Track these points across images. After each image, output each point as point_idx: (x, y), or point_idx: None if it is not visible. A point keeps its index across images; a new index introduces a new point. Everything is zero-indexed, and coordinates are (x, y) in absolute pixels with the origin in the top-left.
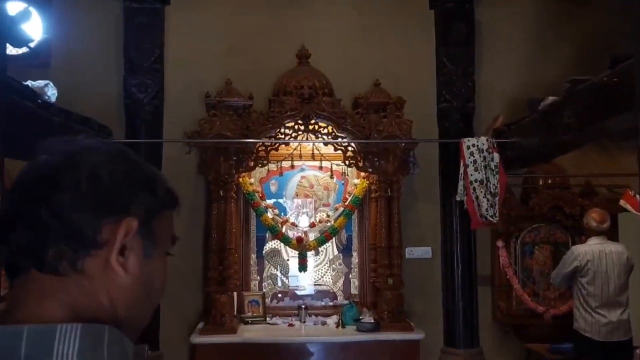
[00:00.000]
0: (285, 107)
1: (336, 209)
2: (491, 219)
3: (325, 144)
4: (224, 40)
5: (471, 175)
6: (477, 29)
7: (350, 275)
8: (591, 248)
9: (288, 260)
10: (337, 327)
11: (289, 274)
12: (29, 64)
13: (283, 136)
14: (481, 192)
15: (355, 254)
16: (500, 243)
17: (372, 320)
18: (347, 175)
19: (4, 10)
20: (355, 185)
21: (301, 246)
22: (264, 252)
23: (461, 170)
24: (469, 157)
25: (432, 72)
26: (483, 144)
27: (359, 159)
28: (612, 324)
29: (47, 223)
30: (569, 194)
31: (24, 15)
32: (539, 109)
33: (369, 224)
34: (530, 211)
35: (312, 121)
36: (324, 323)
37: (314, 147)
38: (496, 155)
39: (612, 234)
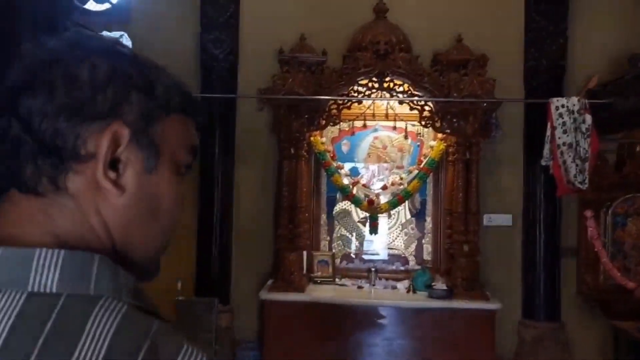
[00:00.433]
0: (359, 63)
1: (410, 172)
2: (580, 185)
3: (401, 102)
4: None
5: (559, 138)
6: None
7: (423, 241)
8: None
9: (359, 222)
10: (408, 292)
11: (360, 236)
12: (110, 20)
13: (356, 94)
14: (569, 156)
15: (429, 219)
16: (588, 213)
17: (445, 287)
18: (423, 136)
19: None
20: (432, 147)
21: (372, 208)
22: (334, 212)
23: (548, 133)
24: (558, 119)
25: (519, 28)
26: (574, 105)
27: (436, 119)
28: None
29: (19, 136)
30: None
31: None
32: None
33: (444, 188)
34: (624, 179)
35: (387, 78)
36: (394, 287)
37: (388, 105)
38: (588, 117)
39: None
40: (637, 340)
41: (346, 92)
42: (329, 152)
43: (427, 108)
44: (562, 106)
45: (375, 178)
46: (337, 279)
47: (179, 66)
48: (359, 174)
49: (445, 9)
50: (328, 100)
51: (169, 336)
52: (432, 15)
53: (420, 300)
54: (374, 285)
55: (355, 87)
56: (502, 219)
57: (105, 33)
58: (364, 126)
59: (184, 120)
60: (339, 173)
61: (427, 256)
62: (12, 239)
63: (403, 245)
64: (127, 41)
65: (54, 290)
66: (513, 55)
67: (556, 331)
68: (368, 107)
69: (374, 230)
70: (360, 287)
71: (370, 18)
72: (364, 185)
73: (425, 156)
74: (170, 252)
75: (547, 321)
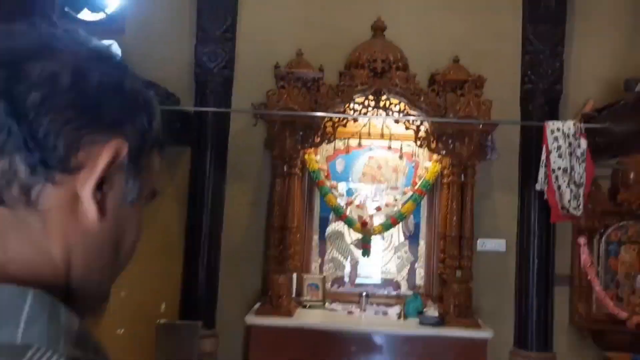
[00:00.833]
0: (356, 80)
1: (404, 193)
2: (574, 211)
3: (397, 121)
4: (298, 11)
5: (554, 162)
6: (569, 4)
7: (416, 265)
8: None
9: (351, 244)
10: (399, 318)
11: (352, 259)
12: (104, 30)
13: (352, 112)
14: (564, 181)
15: (422, 243)
16: (582, 240)
17: (437, 314)
18: (418, 157)
19: None
20: (427, 168)
21: (365, 230)
22: (326, 234)
23: (543, 157)
24: (553, 143)
25: (517, 51)
26: (569, 129)
27: (432, 139)
28: None
29: (4, 122)
30: None
31: None
32: (635, 90)
33: (439, 211)
34: (619, 207)
35: (384, 97)
36: (384, 313)
37: (384, 125)
38: (583, 142)
39: None
40: None
41: (342, 110)
42: (323, 170)
43: (422, 128)
44: (558, 129)
45: (370, 199)
46: (327, 303)
47: (172, 79)
48: (353, 194)
49: (443, 29)
50: (323, 117)
51: None
52: (430, 34)
53: (411, 327)
54: (364, 310)
55: (352, 105)
56: (496, 245)
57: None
58: (359, 145)
59: (157, 157)
60: (332, 193)
61: (419, 281)
62: None
63: (396, 270)
64: (117, 50)
65: None
66: (510, 77)
67: None
68: (364, 126)
69: (366, 252)
70: (350, 313)
71: (368, 35)
72: (358, 206)
73: (420, 177)
74: (155, 272)
75: (539, 351)
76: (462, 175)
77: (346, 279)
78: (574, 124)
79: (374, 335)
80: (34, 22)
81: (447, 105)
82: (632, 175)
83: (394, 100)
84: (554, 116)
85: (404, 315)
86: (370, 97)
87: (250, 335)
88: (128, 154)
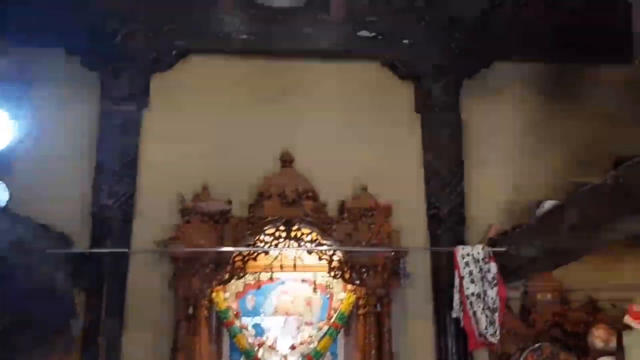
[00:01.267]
0: (265, 211)
1: (319, 329)
2: (491, 338)
3: (309, 252)
4: (204, 142)
5: (467, 288)
6: (465, 133)
7: None
8: None
9: None
10: None
11: None
12: None
13: (263, 244)
14: (479, 307)
15: None
16: None
17: None
18: (332, 288)
19: None
20: (341, 300)
21: None
22: None
23: (456, 283)
24: (464, 268)
25: (420, 177)
26: (479, 253)
27: (345, 269)
28: None
29: None
30: (570, 309)
31: None
32: (536, 214)
33: (356, 344)
34: (531, 328)
35: (295, 227)
36: None
37: (296, 256)
38: (493, 266)
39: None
40: None
41: (252, 243)
42: (232, 309)
43: (335, 258)
44: (468, 254)
45: (283, 336)
46: None
47: (67, 218)
48: (264, 332)
49: (350, 158)
50: (232, 251)
51: None
52: (336, 163)
53: None
54: None
55: (262, 237)
56: None
57: None
58: (271, 279)
59: None
60: (243, 333)
61: None
62: None
63: None
64: (4, 192)
65: None
66: (416, 203)
67: None
68: (275, 258)
69: None
70: None
71: (277, 165)
72: (270, 346)
73: (335, 310)
74: None
75: None
76: (378, 305)
77: None
78: (483, 249)
79: None
80: None
81: (358, 234)
82: (539, 296)
83: (306, 230)
84: (461, 240)
85: None
86: (281, 227)
87: None
88: None
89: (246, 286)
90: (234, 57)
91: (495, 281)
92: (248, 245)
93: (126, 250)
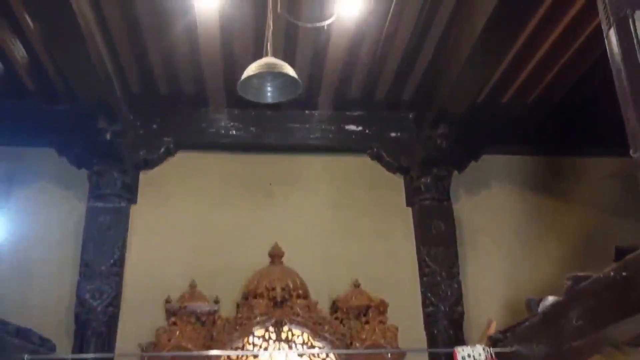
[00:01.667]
0: (254, 311)
1: None
2: None
3: (300, 355)
4: (191, 239)
5: None
6: (458, 227)
7: None
8: None
9: None
10: None
11: None
12: None
13: (252, 346)
14: None
15: None
16: None
17: None
18: None
19: None
20: None
21: None
22: None
23: None
24: None
25: (414, 273)
26: (479, 354)
27: None
28: None
29: None
30: None
31: None
32: (538, 311)
33: None
34: None
35: (285, 328)
36: None
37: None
38: None
39: None
40: None
41: (241, 345)
42: None
43: None
44: (469, 355)
45: None
46: None
47: (49, 321)
48: None
49: (341, 253)
50: (220, 355)
51: None
52: (328, 259)
53: None
54: None
55: (251, 339)
56: None
57: None
58: None
59: None
60: None
61: None
62: None
63: None
64: None
65: None
66: (412, 300)
67: None
68: None
69: None
70: None
71: (265, 262)
72: None
73: None
74: None
75: None
76: None
77: None
78: (484, 349)
79: None
80: None
81: (352, 334)
82: None
83: (297, 332)
84: (459, 339)
85: None
86: (271, 329)
87: None
88: None
89: None
90: (223, 152)
91: None
92: (236, 348)
93: (111, 355)
